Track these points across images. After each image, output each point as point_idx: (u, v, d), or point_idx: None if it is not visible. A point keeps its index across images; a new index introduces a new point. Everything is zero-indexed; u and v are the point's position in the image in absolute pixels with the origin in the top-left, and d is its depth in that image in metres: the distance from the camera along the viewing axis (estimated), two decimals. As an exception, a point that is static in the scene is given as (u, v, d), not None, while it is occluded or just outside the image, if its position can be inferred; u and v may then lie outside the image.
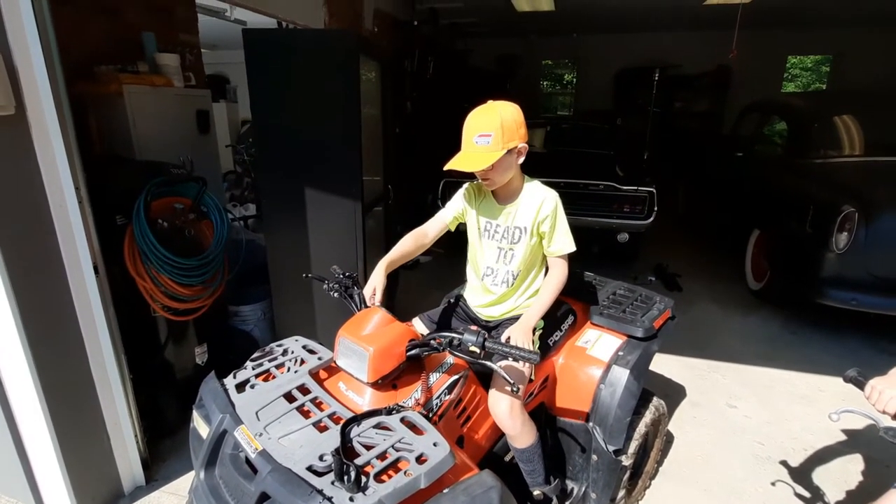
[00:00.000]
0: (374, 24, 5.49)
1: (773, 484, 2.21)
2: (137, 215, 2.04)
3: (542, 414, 1.81)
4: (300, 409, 1.18)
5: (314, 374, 1.31)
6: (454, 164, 1.45)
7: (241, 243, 2.80)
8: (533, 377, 1.62)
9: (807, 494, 2.16)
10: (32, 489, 1.89)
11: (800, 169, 4.00)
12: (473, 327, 1.53)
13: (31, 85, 1.59)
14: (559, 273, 1.59)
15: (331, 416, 1.15)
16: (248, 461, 1.10)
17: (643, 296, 2.12)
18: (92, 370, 1.89)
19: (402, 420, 1.13)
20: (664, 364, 3.11)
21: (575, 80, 11.21)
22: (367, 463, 1.00)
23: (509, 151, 1.45)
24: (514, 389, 1.32)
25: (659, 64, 6.84)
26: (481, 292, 1.72)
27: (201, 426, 1.22)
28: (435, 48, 6.60)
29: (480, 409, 1.54)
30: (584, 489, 1.83)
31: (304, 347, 1.42)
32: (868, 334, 3.52)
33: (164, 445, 2.33)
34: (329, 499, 0.92)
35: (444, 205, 1.75)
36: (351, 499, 0.92)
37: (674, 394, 2.85)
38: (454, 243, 2.07)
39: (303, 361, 1.35)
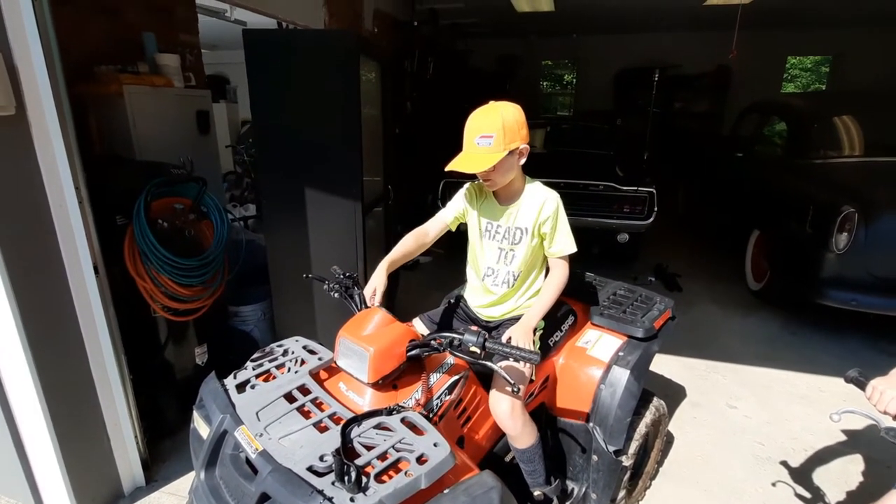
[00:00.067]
0: (374, 25, 5.50)
1: (773, 484, 2.21)
2: (137, 215, 2.04)
3: (543, 414, 1.81)
4: (300, 409, 1.18)
5: (314, 375, 1.31)
6: (455, 165, 1.44)
7: (241, 243, 2.80)
8: (533, 377, 1.62)
9: (807, 495, 2.16)
10: (32, 489, 1.88)
11: (800, 169, 4.00)
12: (474, 328, 1.52)
13: (31, 85, 1.59)
14: (560, 274, 1.58)
15: (331, 417, 1.15)
16: (248, 461, 1.09)
17: (643, 296, 2.13)
18: (92, 370, 1.89)
19: (403, 420, 1.13)
20: (664, 364, 3.11)
21: (575, 80, 11.21)
22: (368, 463, 1.00)
23: (511, 152, 1.44)
24: (515, 390, 1.32)
25: (659, 64, 6.86)
26: (482, 293, 1.71)
27: (201, 426, 1.22)
28: (435, 48, 6.60)
29: (481, 410, 1.54)
30: (584, 489, 1.83)
31: (304, 348, 1.41)
32: (868, 335, 3.51)
33: (164, 446, 2.32)
34: (329, 499, 0.92)
35: (444, 205, 1.74)
36: (351, 499, 0.92)
37: (674, 394, 2.85)
38: (454, 243, 2.07)
39: (303, 362, 1.35)
